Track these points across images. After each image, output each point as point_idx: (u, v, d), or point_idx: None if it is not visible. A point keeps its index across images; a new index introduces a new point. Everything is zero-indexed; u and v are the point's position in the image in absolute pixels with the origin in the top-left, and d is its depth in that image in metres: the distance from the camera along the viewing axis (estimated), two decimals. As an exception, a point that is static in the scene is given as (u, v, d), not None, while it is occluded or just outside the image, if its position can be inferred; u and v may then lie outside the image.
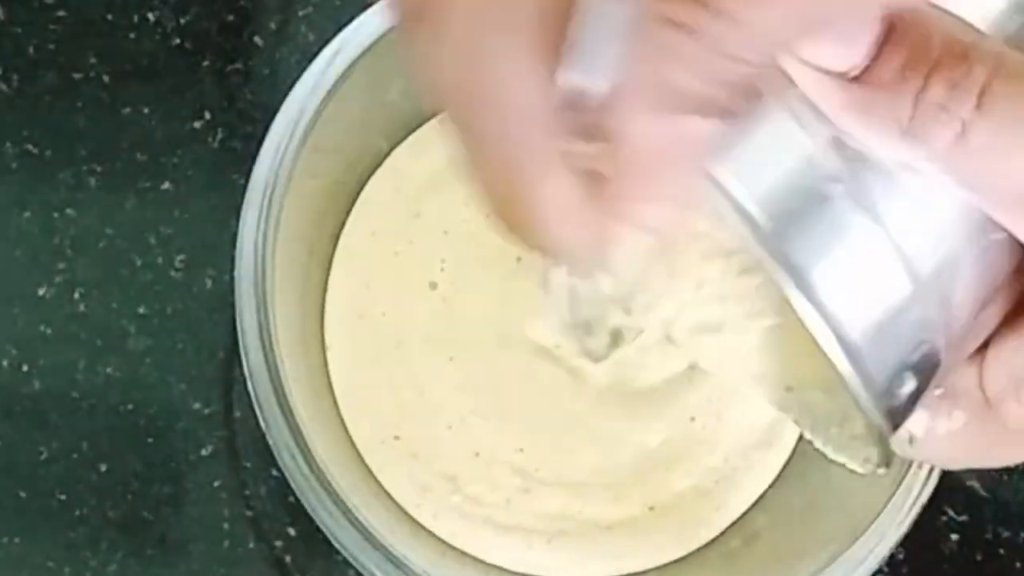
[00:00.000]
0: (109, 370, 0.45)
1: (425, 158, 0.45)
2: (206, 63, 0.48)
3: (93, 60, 0.47)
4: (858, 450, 0.27)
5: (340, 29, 0.41)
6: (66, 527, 0.44)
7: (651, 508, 0.44)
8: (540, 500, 0.43)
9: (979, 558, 0.45)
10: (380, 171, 0.45)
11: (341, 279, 0.44)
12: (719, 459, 0.44)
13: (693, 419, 0.44)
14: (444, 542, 0.43)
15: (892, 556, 0.38)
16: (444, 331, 0.44)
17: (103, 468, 0.44)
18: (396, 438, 0.43)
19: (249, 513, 0.44)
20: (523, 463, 0.43)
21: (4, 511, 0.44)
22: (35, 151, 0.47)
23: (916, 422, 0.26)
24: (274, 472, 0.43)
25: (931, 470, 0.39)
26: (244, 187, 0.39)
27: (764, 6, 0.20)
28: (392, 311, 0.44)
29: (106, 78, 0.47)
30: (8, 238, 0.46)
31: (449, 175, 0.44)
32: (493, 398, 0.43)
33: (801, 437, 0.44)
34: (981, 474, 0.46)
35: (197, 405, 0.45)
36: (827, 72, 0.22)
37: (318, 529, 0.37)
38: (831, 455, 0.28)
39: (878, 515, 0.38)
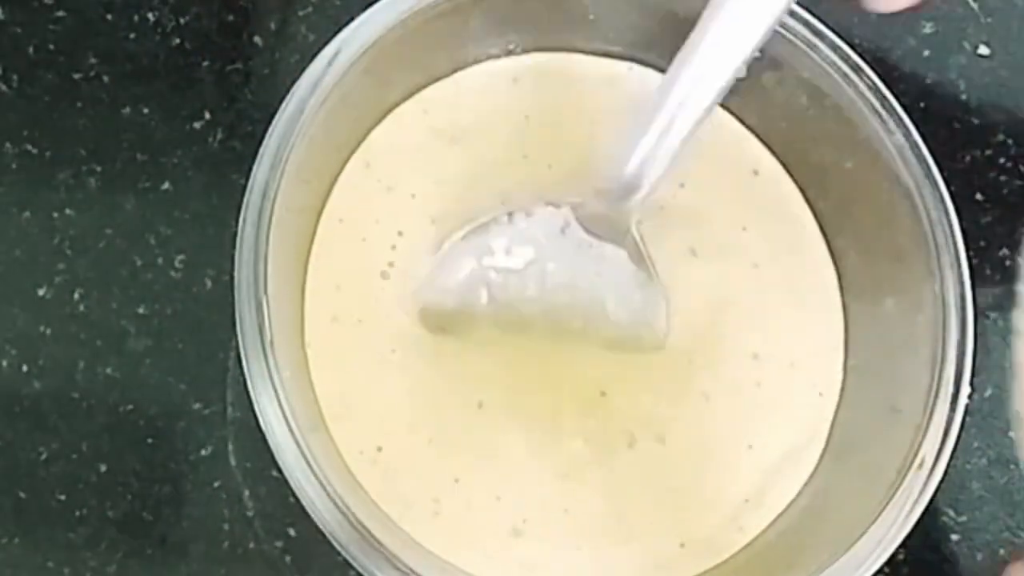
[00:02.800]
0: (109, 370, 0.45)
1: (397, 137, 0.44)
2: (206, 63, 0.48)
3: (93, 60, 0.47)
4: None
5: (340, 29, 0.41)
6: (66, 527, 0.44)
7: (682, 545, 0.42)
8: (536, 543, 0.41)
9: (979, 558, 0.45)
10: (353, 157, 0.44)
11: (317, 277, 0.43)
12: (748, 483, 0.43)
13: (751, 446, 0.43)
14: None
15: (892, 556, 0.38)
16: (409, 330, 0.42)
17: (103, 468, 0.44)
18: (379, 449, 0.42)
19: (249, 513, 0.44)
20: (513, 499, 0.41)
21: (3, 511, 0.44)
22: (35, 151, 0.47)
23: None
24: (274, 472, 0.43)
25: (931, 470, 0.39)
26: (244, 187, 0.39)
27: None
28: (361, 312, 0.42)
29: (106, 78, 0.47)
30: (8, 238, 0.46)
31: (423, 151, 0.44)
32: (475, 413, 0.42)
33: (823, 454, 0.43)
34: (980, 475, 0.46)
35: (197, 405, 0.45)
36: None
37: (318, 529, 0.37)
38: None
39: (879, 515, 0.38)
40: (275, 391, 0.37)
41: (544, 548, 0.41)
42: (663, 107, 0.39)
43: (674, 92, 0.38)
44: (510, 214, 0.42)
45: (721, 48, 0.37)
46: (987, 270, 0.48)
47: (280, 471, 0.37)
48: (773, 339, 0.43)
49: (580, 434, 0.42)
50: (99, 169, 0.46)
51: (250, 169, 0.39)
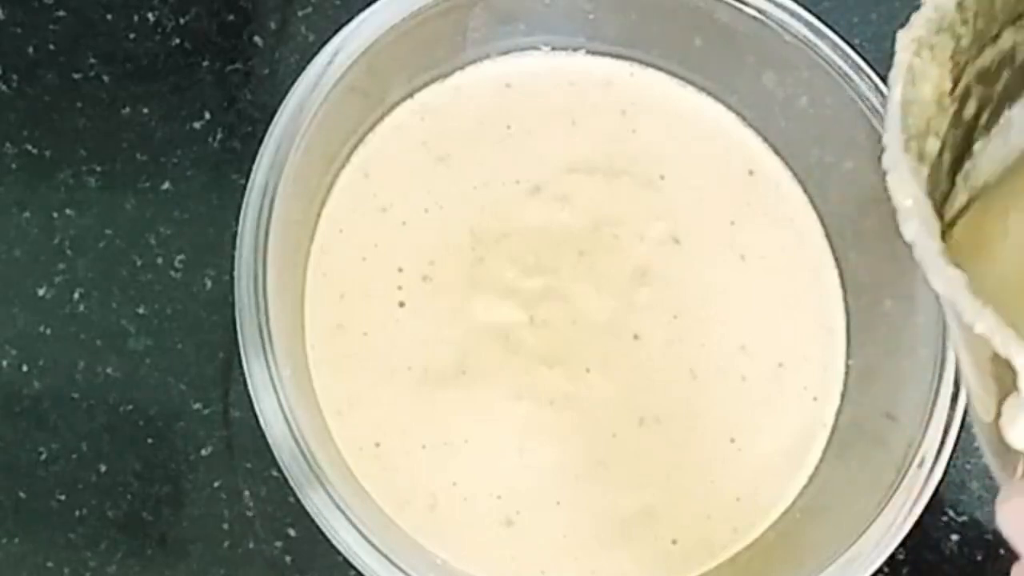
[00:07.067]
0: (109, 370, 0.45)
1: (394, 142, 0.44)
2: (206, 63, 0.48)
3: (93, 60, 0.47)
4: None
5: (340, 29, 0.41)
6: (65, 527, 0.44)
7: (674, 542, 0.42)
8: (532, 541, 0.41)
9: (979, 558, 0.45)
10: (352, 162, 0.44)
11: (318, 282, 0.43)
12: (738, 481, 0.42)
13: (733, 440, 0.43)
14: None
15: (892, 556, 0.38)
16: (411, 348, 0.42)
17: (102, 468, 0.44)
18: (377, 445, 0.42)
19: (249, 513, 0.44)
20: (510, 497, 0.42)
21: (3, 511, 0.44)
22: (35, 151, 0.47)
23: None
24: (274, 472, 0.43)
25: (931, 470, 0.39)
26: (244, 187, 0.39)
27: None
28: (367, 324, 0.43)
29: (106, 78, 0.47)
30: (8, 238, 0.46)
31: (418, 159, 0.44)
32: (476, 422, 0.42)
33: (822, 457, 0.43)
34: (980, 474, 0.46)
35: (197, 405, 0.45)
36: None
37: (318, 529, 0.37)
38: None
39: (878, 515, 0.38)
40: (275, 391, 0.37)
41: (536, 533, 0.41)
42: None
43: None
44: None
45: None
46: (987, 270, 0.48)
47: (280, 471, 0.37)
48: (763, 336, 0.43)
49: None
50: (99, 169, 0.46)
51: (250, 169, 0.39)
